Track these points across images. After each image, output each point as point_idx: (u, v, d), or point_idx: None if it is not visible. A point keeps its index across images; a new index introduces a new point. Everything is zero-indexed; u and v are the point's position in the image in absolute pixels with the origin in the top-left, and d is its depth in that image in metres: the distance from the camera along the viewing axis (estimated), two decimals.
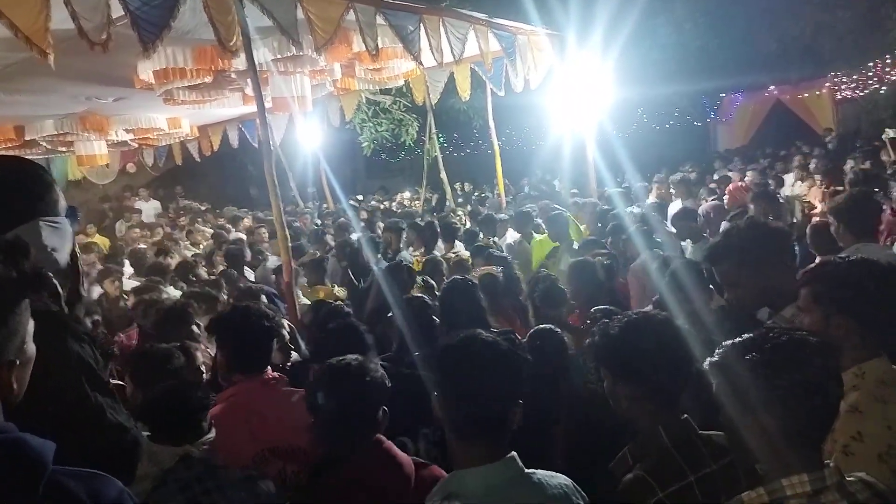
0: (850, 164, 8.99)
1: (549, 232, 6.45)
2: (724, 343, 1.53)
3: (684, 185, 8.54)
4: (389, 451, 2.11)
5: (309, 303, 4.95)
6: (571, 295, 4.18)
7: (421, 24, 5.85)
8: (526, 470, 1.65)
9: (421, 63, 6.48)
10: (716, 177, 11.90)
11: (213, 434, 2.27)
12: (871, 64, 17.44)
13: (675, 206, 7.43)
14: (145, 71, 5.88)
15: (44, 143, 8.95)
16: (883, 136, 10.47)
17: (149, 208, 14.52)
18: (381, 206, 13.78)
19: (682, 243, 5.74)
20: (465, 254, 6.36)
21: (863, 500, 1.34)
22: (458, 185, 15.33)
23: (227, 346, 2.82)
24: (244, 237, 9.27)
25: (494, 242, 6.93)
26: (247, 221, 11.01)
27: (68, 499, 1.01)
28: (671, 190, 9.35)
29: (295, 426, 2.60)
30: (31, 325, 1.15)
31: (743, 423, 1.42)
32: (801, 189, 9.63)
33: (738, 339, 1.50)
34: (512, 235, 7.34)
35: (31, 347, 1.15)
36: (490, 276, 4.58)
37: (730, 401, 1.45)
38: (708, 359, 1.55)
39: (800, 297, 1.99)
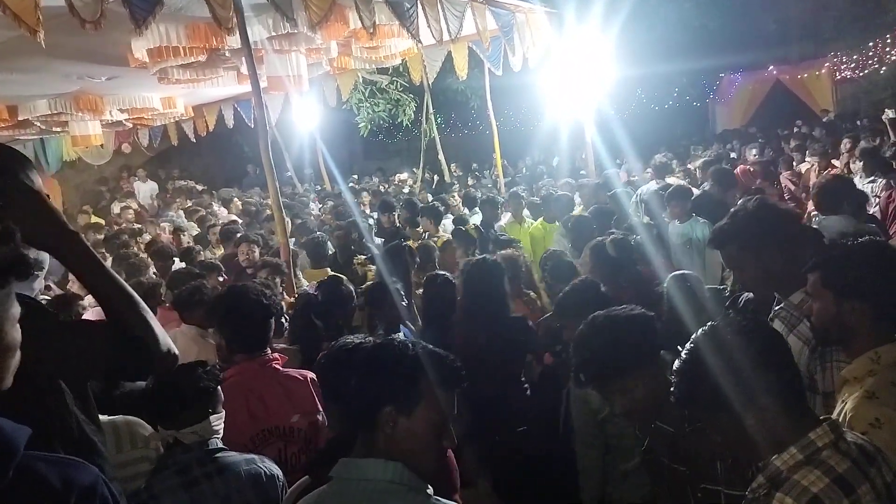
0: (846, 143, 8.93)
1: (547, 213, 6.46)
2: (688, 348, 1.59)
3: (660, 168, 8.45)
4: None
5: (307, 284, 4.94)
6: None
7: (418, 1, 5.77)
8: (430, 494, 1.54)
9: (419, 41, 6.39)
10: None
11: (216, 421, 2.19)
12: (870, 44, 17.30)
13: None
14: (139, 49, 5.80)
15: (38, 124, 8.86)
16: (883, 117, 10.42)
17: (146, 189, 14.47)
18: (380, 188, 13.72)
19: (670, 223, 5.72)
20: (447, 237, 6.39)
21: (860, 443, 1.49)
22: (453, 167, 15.27)
23: (224, 326, 2.82)
24: (237, 219, 9.24)
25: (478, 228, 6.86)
26: (238, 203, 10.97)
27: (40, 483, 1.01)
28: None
29: (294, 407, 2.61)
30: (15, 310, 1.12)
31: (757, 404, 1.47)
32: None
33: (699, 338, 1.59)
34: (507, 218, 7.35)
35: (14, 335, 1.13)
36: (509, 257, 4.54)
37: (731, 391, 1.48)
38: (682, 363, 1.59)
39: (808, 283, 1.95)
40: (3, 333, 1.10)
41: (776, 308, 2.32)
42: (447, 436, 1.59)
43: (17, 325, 1.14)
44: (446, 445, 1.61)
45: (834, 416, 1.82)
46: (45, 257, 1.65)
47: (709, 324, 1.64)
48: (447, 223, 7.17)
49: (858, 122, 13.61)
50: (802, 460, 1.42)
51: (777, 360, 1.52)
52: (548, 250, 4.89)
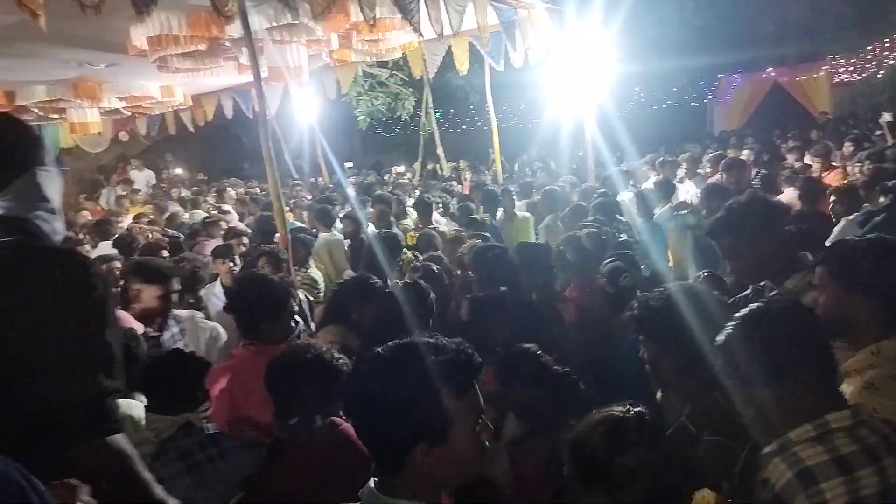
0: (848, 146, 8.95)
1: (543, 206, 6.51)
2: (730, 324, 1.63)
3: (692, 162, 9.07)
4: (346, 433, 2.03)
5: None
6: (569, 268, 4.18)
7: None
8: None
9: (420, 35, 6.38)
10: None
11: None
12: (868, 47, 17.35)
13: (683, 187, 7.79)
14: (138, 37, 5.77)
15: (35, 110, 8.81)
16: (881, 121, 10.47)
17: (141, 178, 14.43)
18: (376, 181, 13.70)
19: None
20: (444, 229, 6.53)
21: (886, 433, 1.49)
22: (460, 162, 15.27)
23: (235, 313, 2.84)
24: (231, 210, 9.20)
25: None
26: (231, 192, 10.97)
27: None
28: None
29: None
30: None
31: (781, 383, 1.51)
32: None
33: (741, 316, 1.62)
34: (499, 213, 7.40)
35: None
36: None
37: (761, 367, 1.53)
38: (723, 338, 1.62)
39: (816, 276, 2.00)
40: None
41: (770, 295, 2.38)
42: (485, 427, 1.35)
43: None
44: (486, 437, 1.36)
45: None
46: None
47: (760, 301, 1.67)
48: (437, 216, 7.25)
49: (859, 127, 13.61)
50: (814, 437, 1.47)
51: (817, 340, 1.56)
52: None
